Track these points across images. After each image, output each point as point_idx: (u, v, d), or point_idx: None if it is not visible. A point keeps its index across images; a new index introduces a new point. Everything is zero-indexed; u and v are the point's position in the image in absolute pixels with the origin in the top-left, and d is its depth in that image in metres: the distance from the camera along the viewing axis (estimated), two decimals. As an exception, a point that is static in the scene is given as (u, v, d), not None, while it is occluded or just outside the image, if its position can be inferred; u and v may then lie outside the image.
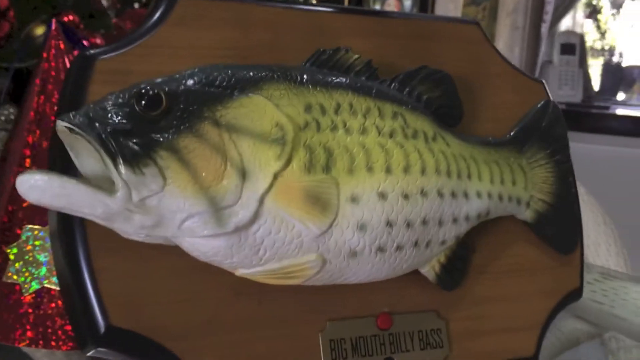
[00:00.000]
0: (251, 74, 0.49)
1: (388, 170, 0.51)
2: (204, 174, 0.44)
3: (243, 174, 0.45)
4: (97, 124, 0.43)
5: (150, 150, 0.43)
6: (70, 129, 0.43)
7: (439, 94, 0.57)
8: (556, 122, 0.65)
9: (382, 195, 0.50)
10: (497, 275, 0.61)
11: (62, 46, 0.65)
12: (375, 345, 0.55)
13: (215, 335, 0.50)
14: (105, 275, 0.48)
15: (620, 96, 3.17)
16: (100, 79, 0.50)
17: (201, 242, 0.46)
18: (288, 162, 0.47)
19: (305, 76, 0.51)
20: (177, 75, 0.47)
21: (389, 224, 0.51)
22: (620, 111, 2.72)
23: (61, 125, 0.43)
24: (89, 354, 0.48)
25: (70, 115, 0.44)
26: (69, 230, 0.48)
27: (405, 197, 0.52)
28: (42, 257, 0.61)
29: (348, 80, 0.53)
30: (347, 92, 0.52)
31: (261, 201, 0.46)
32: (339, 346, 0.54)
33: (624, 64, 3.24)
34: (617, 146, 2.40)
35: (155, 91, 0.44)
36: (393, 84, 0.56)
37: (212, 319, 0.50)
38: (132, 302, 0.48)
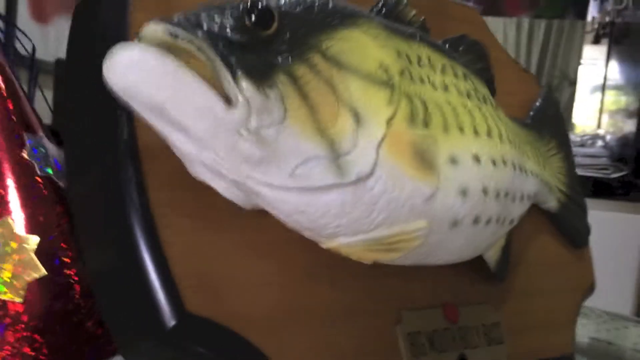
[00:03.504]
0: (345, 4, 0.39)
1: (476, 132, 0.43)
2: (321, 112, 0.34)
3: (357, 118, 0.35)
4: (205, 30, 0.31)
5: (272, 71, 0.32)
6: (173, 35, 0.31)
7: (480, 67, 0.50)
8: (559, 112, 0.61)
9: (477, 159, 0.42)
10: (529, 267, 0.54)
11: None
12: (448, 340, 0.45)
13: (297, 325, 0.38)
14: (175, 250, 0.34)
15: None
16: (140, 6, 0.38)
17: (310, 198, 0.35)
18: (395, 110, 0.38)
19: (385, 21, 0.42)
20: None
21: (485, 191, 0.42)
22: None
23: (159, 29, 0.31)
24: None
25: (166, 19, 0.32)
26: (121, 193, 0.35)
27: (494, 163, 0.43)
28: None
29: (421, 34, 0.44)
30: (424, 46, 0.43)
31: (377, 151, 0.36)
32: (417, 341, 0.44)
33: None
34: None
35: (266, 6, 0.33)
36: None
37: (291, 306, 0.38)
38: (208, 285, 0.35)
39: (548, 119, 0.58)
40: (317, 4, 0.37)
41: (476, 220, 0.42)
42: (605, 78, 1.94)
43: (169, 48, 0.31)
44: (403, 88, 0.39)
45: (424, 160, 0.38)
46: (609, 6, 1.93)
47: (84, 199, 0.37)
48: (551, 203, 0.55)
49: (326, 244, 0.38)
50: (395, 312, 0.43)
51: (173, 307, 0.34)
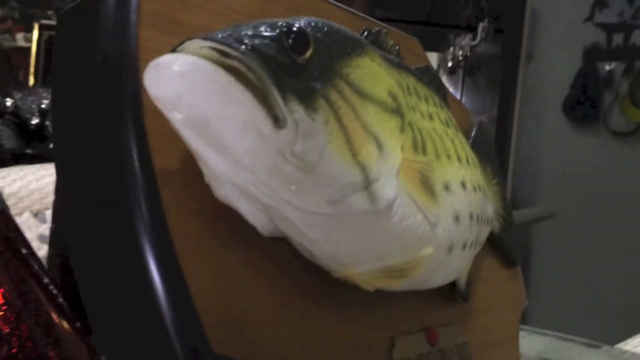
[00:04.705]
0: (351, 31, 0.36)
1: (459, 159, 0.42)
2: (353, 137, 0.31)
3: (379, 144, 0.33)
4: (253, 49, 0.28)
5: (314, 96, 0.30)
6: (221, 53, 0.27)
7: (441, 97, 0.50)
8: (491, 141, 0.61)
9: (464, 186, 0.41)
10: (480, 287, 0.54)
11: None
12: (432, 363, 0.44)
13: (313, 361, 0.35)
14: (197, 282, 0.30)
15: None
16: (148, 23, 0.33)
17: (341, 225, 0.32)
18: (405, 137, 0.36)
19: (380, 50, 0.40)
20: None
21: (471, 216, 0.41)
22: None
23: (205, 45, 0.27)
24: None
25: (210, 36, 0.28)
26: (134, 220, 0.30)
27: (474, 189, 0.43)
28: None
29: (404, 64, 0.43)
30: (410, 75, 0.42)
31: (397, 179, 0.34)
32: (408, 366, 0.42)
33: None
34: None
35: (303, 30, 0.31)
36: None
37: (305, 340, 0.35)
38: (234, 322, 0.31)
39: (483, 147, 0.59)
40: (333, 30, 0.34)
41: (464, 244, 0.41)
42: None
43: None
44: (407, 115, 0.37)
45: (429, 187, 0.37)
46: (463, 41, 2.03)
47: (85, 227, 0.32)
48: (494, 225, 0.55)
49: (340, 272, 0.35)
50: (388, 339, 0.41)
51: (198, 348, 0.30)
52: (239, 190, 0.30)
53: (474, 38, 2.01)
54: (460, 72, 2.06)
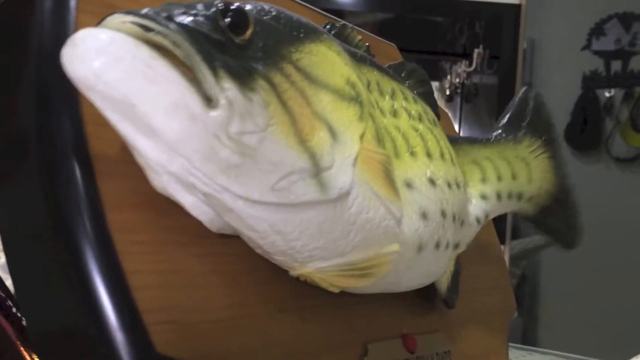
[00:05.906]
0: (307, 21, 0.34)
1: (429, 155, 0.39)
2: (300, 123, 0.29)
3: (332, 132, 0.31)
4: (181, 25, 0.26)
5: (252, 76, 0.27)
6: (145, 27, 0.25)
7: (423, 91, 0.47)
8: (541, 109, 0.56)
9: (432, 182, 0.38)
10: (469, 294, 0.50)
11: None
12: (410, 371, 0.40)
13: (271, 364, 0.32)
14: (140, 279, 0.28)
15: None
16: (90, 10, 0.31)
17: (289, 216, 0.29)
18: (366, 127, 0.33)
19: (339, 42, 0.37)
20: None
21: (443, 213, 0.38)
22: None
23: (127, 20, 0.25)
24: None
25: (134, 11, 0.26)
26: (70, 215, 0.27)
27: (448, 185, 0.40)
28: None
29: (370, 58, 0.40)
30: (373, 70, 0.39)
31: (353, 168, 0.31)
32: (383, 374, 0.38)
33: None
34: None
35: (241, 9, 0.29)
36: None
37: (264, 343, 0.32)
38: (184, 322, 0.28)
39: (529, 120, 0.52)
40: (282, 15, 0.32)
41: (437, 244, 0.38)
42: (459, 130, 2.00)
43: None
44: (367, 105, 0.35)
45: (392, 181, 0.34)
46: (460, 68, 2.01)
47: (16, 225, 0.30)
48: (528, 209, 0.51)
49: (299, 270, 0.32)
50: (361, 345, 0.38)
51: (140, 347, 0.27)
52: (176, 180, 0.28)
53: (469, 64, 1.99)
54: (458, 99, 2.04)
